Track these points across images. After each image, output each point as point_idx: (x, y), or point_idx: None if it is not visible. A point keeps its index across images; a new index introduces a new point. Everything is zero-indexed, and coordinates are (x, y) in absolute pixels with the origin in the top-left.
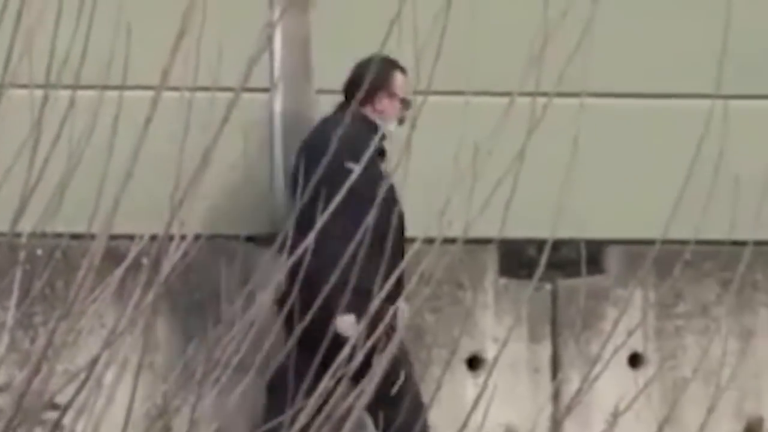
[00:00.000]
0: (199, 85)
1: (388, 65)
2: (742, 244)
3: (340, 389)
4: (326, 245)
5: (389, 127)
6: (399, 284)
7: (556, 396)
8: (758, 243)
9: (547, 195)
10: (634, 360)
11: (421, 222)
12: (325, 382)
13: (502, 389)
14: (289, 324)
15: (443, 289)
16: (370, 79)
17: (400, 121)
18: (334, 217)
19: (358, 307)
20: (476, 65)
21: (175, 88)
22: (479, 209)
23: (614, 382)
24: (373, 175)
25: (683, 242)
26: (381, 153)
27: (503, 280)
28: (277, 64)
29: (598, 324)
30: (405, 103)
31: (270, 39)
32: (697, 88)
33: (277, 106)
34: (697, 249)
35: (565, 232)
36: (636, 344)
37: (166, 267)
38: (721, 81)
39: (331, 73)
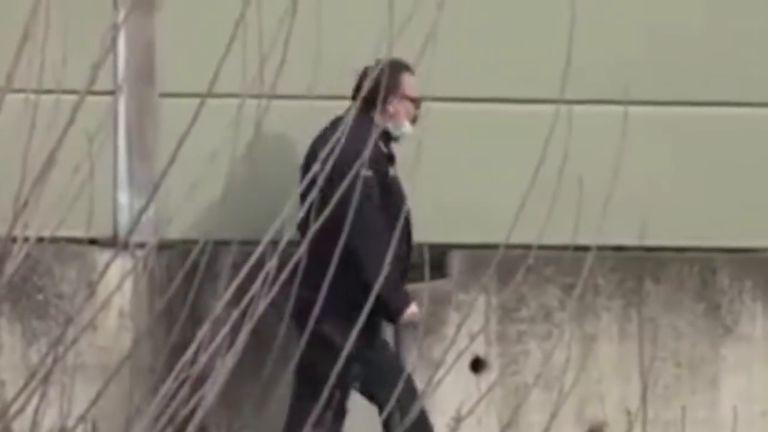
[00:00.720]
0: (45, 88)
1: (396, 68)
2: (584, 249)
3: (183, 392)
4: (363, 249)
5: (404, 129)
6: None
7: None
8: (600, 248)
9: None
10: (477, 365)
11: (264, 225)
12: (169, 384)
13: None
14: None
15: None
16: (379, 84)
17: (413, 121)
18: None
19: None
20: (322, 69)
21: (20, 90)
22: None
23: (457, 387)
24: (385, 181)
25: (526, 247)
26: (390, 158)
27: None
28: (121, 66)
29: (441, 329)
30: (416, 103)
31: (114, 42)
32: (541, 93)
33: (121, 109)
34: (539, 254)
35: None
36: (478, 349)
37: (9, 268)
38: (566, 86)
39: (175, 76)
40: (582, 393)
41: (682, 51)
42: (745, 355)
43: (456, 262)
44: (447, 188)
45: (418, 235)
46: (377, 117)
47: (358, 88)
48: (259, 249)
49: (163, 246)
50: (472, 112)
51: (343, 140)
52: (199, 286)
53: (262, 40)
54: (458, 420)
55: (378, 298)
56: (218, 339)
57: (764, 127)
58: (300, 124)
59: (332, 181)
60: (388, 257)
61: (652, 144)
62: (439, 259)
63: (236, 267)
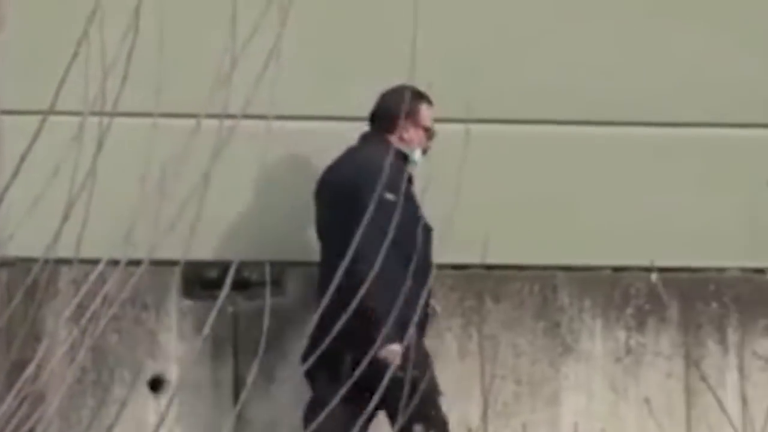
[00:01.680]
0: None
1: (416, 96)
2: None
3: (24, 410)
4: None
5: (415, 156)
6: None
7: (239, 416)
8: (440, 266)
9: (231, 218)
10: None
11: (106, 243)
12: (9, 401)
13: (186, 409)
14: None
15: (126, 310)
16: (398, 110)
17: (424, 151)
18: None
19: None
20: (164, 86)
21: None
22: (165, 231)
23: (297, 402)
24: (407, 204)
25: None
26: (410, 180)
27: (186, 302)
28: None
29: (280, 345)
30: (429, 134)
31: None
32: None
33: None
34: None
35: (248, 254)
36: None
37: None
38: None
39: (17, 94)
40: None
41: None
42: (585, 373)
43: (293, 279)
44: (285, 206)
45: (257, 254)
46: (393, 140)
47: (375, 113)
48: (99, 267)
49: (4, 263)
50: (316, 130)
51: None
52: (39, 304)
53: (104, 58)
54: None
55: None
56: (58, 356)
57: (600, 145)
58: (143, 141)
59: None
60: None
61: (494, 162)
62: (277, 276)
63: (77, 284)
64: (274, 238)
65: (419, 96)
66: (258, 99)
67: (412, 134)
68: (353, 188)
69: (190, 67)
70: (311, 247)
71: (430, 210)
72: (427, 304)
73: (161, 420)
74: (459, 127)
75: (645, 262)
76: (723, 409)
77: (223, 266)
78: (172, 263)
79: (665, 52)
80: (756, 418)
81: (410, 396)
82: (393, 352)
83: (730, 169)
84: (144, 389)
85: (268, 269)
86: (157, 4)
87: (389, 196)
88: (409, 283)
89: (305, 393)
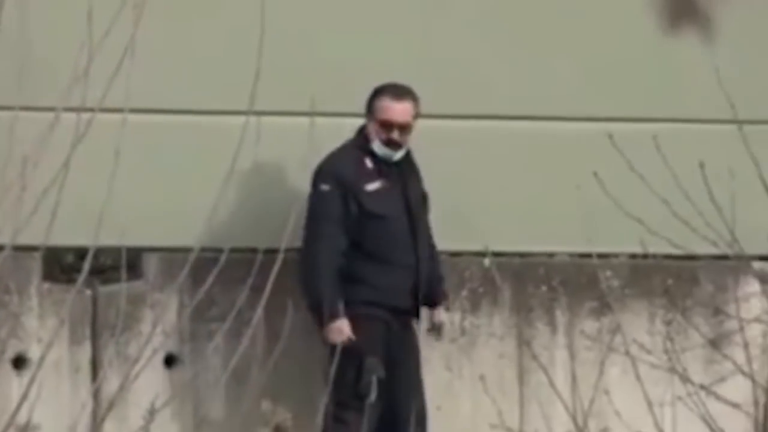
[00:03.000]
0: None
1: (376, 92)
2: (274, 251)
3: None
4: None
5: (374, 147)
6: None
7: (96, 394)
8: (288, 250)
9: (89, 205)
10: (170, 360)
11: None
12: None
13: (46, 388)
14: None
15: None
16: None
17: (390, 143)
18: None
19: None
20: (24, 80)
21: None
22: (26, 218)
23: (151, 381)
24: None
25: (218, 250)
26: (379, 173)
27: (47, 285)
28: None
29: (137, 326)
30: (386, 126)
31: None
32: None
33: None
34: (232, 257)
35: (105, 240)
36: (172, 346)
37: None
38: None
39: None
40: (269, 389)
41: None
42: (422, 352)
43: (150, 263)
44: (141, 194)
45: (114, 239)
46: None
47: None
48: None
49: None
50: (170, 123)
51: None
52: None
53: None
54: (152, 413)
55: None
56: None
57: (436, 136)
58: (5, 133)
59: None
60: (324, 266)
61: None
62: (134, 261)
63: None
64: (131, 224)
65: (378, 91)
66: (114, 93)
67: (371, 128)
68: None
69: (49, 62)
70: (169, 232)
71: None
72: (417, 288)
73: (23, 397)
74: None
75: (479, 247)
76: (553, 385)
77: (81, 252)
78: (34, 249)
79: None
80: (584, 395)
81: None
82: (332, 330)
83: (560, 160)
84: (8, 367)
85: (123, 254)
86: (19, 4)
87: (324, 187)
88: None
89: (159, 372)
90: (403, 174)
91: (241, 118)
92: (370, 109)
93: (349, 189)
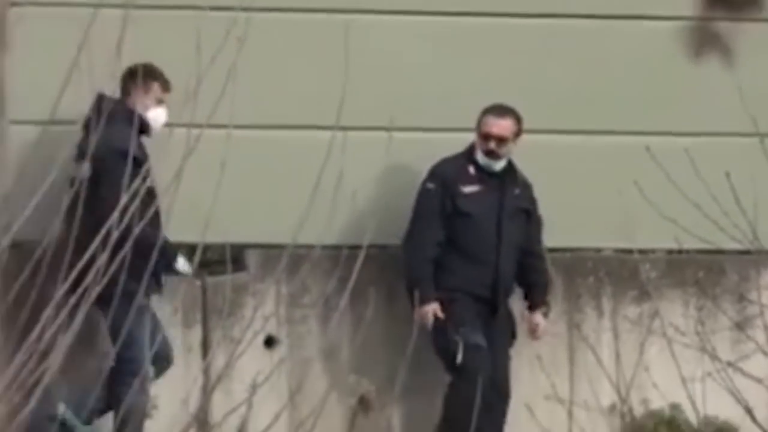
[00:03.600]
0: None
1: (486, 110)
2: (357, 248)
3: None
4: None
5: (478, 158)
6: None
7: (206, 371)
8: (370, 246)
9: (198, 207)
10: (269, 341)
11: None
12: (20, 357)
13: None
14: None
15: None
16: None
17: (488, 153)
18: None
19: None
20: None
21: None
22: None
23: (253, 360)
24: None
25: (309, 246)
26: (479, 178)
27: (164, 278)
28: None
29: (240, 312)
30: (486, 138)
31: None
32: (319, 120)
33: None
34: (323, 252)
35: (213, 237)
36: (271, 329)
37: None
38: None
39: (22, 107)
40: (354, 365)
41: None
42: None
43: (252, 258)
44: (247, 197)
45: (220, 237)
46: None
47: None
48: (92, 247)
49: (14, 245)
50: (268, 137)
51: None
52: (42, 279)
53: (94, 77)
54: (254, 387)
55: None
56: (58, 320)
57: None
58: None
59: None
60: (420, 255)
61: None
62: (238, 255)
63: (73, 263)
64: (235, 223)
65: (486, 109)
66: (220, 111)
67: (476, 140)
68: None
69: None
70: (268, 230)
71: (362, 200)
72: (497, 283)
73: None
74: None
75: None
76: (600, 363)
77: (192, 248)
78: None
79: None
80: (626, 371)
81: None
82: (422, 311)
83: (605, 168)
84: None
85: (228, 250)
86: (137, 37)
87: (429, 185)
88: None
89: (260, 351)
90: (504, 184)
91: (329, 133)
92: (478, 124)
93: (448, 188)
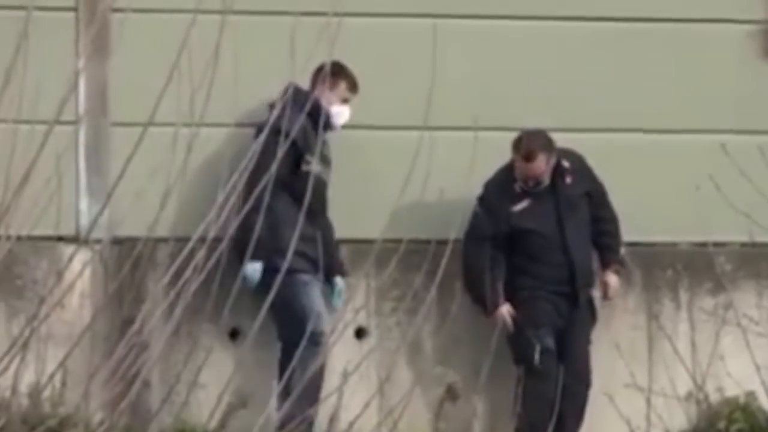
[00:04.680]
0: (22, 119)
1: (514, 145)
2: (445, 242)
3: (132, 355)
4: None
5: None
6: None
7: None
8: (456, 241)
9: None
10: (360, 333)
11: (195, 225)
12: (120, 349)
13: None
14: None
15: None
16: None
17: (528, 187)
18: None
19: None
20: (240, 101)
21: (3, 120)
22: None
23: (344, 350)
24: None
25: (397, 241)
26: (526, 193)
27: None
28: (81, 101)
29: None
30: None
31: (76, 82)
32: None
33: (82, 135)
34: (410, 246)
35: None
36: (361, 321)
37: None
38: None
39: (124, 109)
40: (440, 356)
41: None
42: None
43: (343, 252)
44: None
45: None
46: None
47: None
48: (190, 244)
49: (115, 242)
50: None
51: None
52: (142, 273)
53: (192, 80)
54: (346, 375)
55: None
56: (157, 314)
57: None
58: (223, 146)
59: None
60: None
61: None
62: None
63: (172, 258)
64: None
65: (515, 146)
66: None
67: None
68: None
69: (259, 85)
70: (358, 226)
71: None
72: (573, 278)
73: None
74: None
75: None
76: (677, 352)
77: None
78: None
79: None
80: (702, 359)
81: None
82: (496, 316)
83: (682, 165)
84: (225, 338)
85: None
86: (234, 40)
87: (477, 209)
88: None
89: (351, 342)
90: (555, 185)
91: (417, 133)
92: (513, 150)
93: (498, 211)
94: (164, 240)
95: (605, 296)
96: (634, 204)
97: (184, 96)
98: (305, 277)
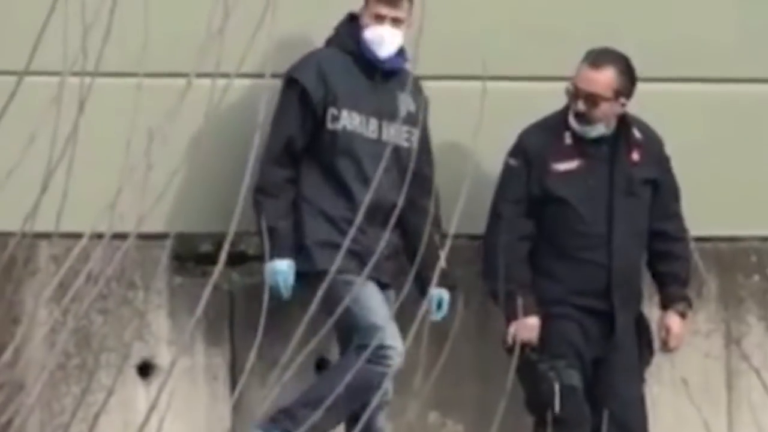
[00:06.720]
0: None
1: (586, 54)
2: None
3: (1, 399)
4: None
5: (570, 121)
6: None
7: (236, 405)
8: (457, 236)
9: (225, 186)
10: (321, 365)
11: (89, 216)
12: None
13: (179, 397)
14: None
15: (112, 288)
16: None
17: (577, 116)
18: None
19: None
20: (149, 45)
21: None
22: (153, 201)
23: (302, 388)
24: None
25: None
26: (579, 150)
27: (177, 279)
28: None
29: (281, 325)
30: (574, 96)
31: None
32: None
33: None
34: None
35: (245, 225)
36: (323, 349)
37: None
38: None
39: None
40: (440, 401)
41: None
42: None
43: None
44: None
45: (253, 224)
46: None
47: None
48: (82, 242)
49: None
50: None
51: None
52: (17, 283)
53: (84, 14)
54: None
55: None
56: (37, 340)
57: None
58: (128, 103)
59: None
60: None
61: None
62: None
63: (57, 261)
64: None
65: (586, 54)
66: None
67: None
68: None
69: (178, 23)
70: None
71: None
72: (610, 289)
73: (151, 408)
74: None
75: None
76: (767, 389)
77: (218, 239)
78: (162, 236)
79: None
80: None
81: None
82: (521, 326)
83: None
84: (133, 375)
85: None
86: None
87: (511, 161)
88: None
89: (308, 378)
90: (614, 153)
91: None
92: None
93: (536, 166)
94: (47, 236)
95: (664, 346)
96: (705, 185)
97: (73, 36)
98: (348, 277)
